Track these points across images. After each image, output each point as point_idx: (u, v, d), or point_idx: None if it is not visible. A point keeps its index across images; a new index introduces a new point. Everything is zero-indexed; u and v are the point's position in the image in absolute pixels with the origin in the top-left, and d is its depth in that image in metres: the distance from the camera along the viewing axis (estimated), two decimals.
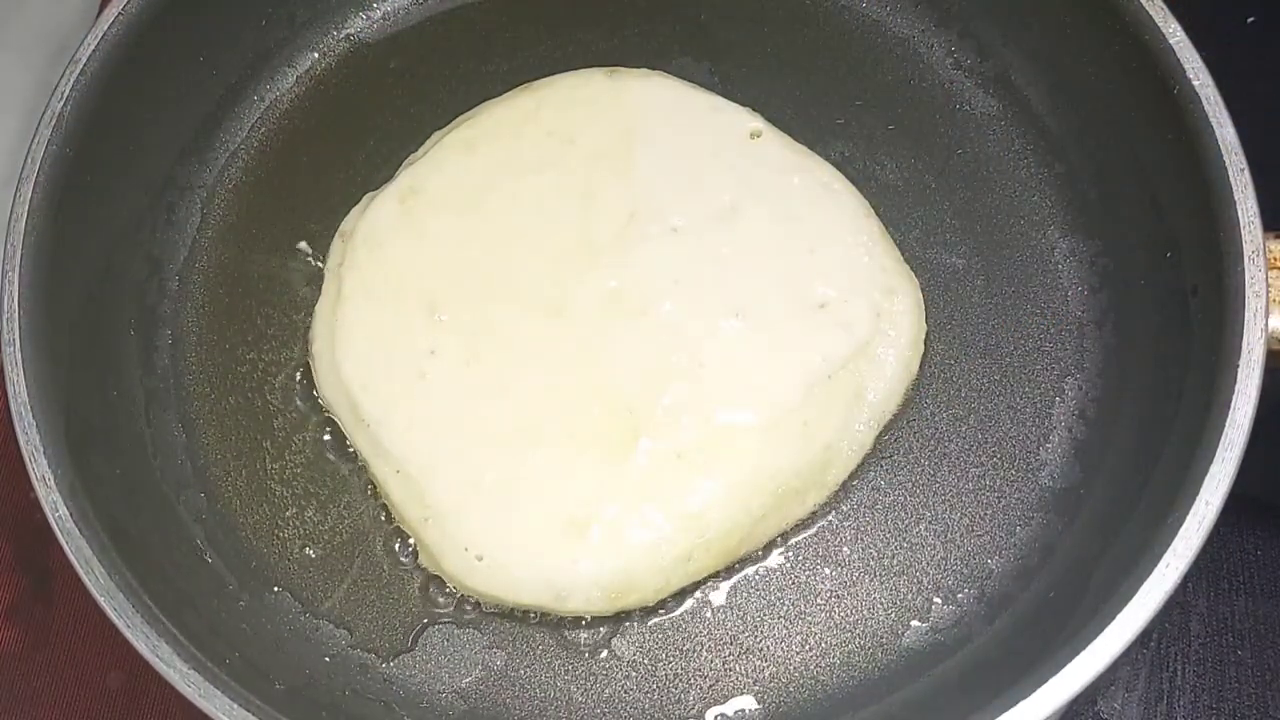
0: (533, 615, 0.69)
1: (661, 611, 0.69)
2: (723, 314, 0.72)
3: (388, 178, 0.79)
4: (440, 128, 0.81)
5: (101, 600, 0.60)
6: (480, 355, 0.72)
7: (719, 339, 0.71)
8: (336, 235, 0.78)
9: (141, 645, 0.59)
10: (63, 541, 0.61)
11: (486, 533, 0.68)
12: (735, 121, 0.78)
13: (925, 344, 0.73)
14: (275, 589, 0.70)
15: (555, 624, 0.69)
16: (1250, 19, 0.61)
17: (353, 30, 0.86)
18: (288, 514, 0.72)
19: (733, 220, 0.75)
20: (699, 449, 0.69)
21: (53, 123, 0.70)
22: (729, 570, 0.69)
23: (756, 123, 0.78)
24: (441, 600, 0.69)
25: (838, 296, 0.72)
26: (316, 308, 0.75)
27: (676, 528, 0.67)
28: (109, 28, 0.73)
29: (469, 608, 0.69)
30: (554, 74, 0.82)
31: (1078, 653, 0.57)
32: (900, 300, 0.73)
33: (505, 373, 0.72)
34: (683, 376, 0.71)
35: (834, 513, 0.70)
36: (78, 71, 0.72)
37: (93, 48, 0.73)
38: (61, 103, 0.71)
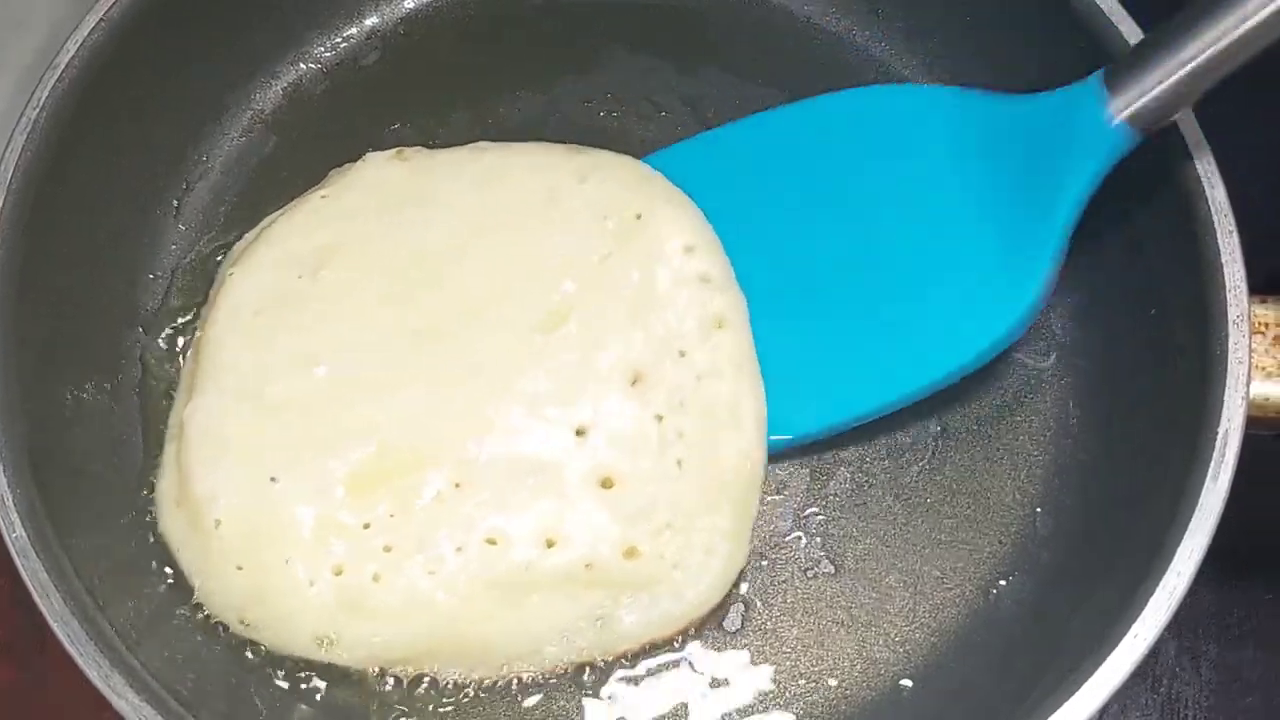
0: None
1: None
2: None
3: None
4: (426, 144, 0.79)
5: (56, 626, 0.59)
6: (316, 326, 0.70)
7: (529, 477, 0.66)
8: None
9: (93, 674, 0.58)
10: (18, 564, 0.60)
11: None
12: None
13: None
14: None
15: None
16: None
17: (342, 44, 0.84)
18: None
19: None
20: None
21: (27, 130, 0.68)
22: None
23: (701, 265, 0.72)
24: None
25: (658, 520, 0.66)
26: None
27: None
28: (89, 34, 0.71)
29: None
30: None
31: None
32: (715, 562, 0.66)
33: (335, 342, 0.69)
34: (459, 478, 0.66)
35: (801, 559, 0.70)
36: (55, 78, 0.70)
37: (72, 53, 0.71)
38: (38, 110, 0.69)
